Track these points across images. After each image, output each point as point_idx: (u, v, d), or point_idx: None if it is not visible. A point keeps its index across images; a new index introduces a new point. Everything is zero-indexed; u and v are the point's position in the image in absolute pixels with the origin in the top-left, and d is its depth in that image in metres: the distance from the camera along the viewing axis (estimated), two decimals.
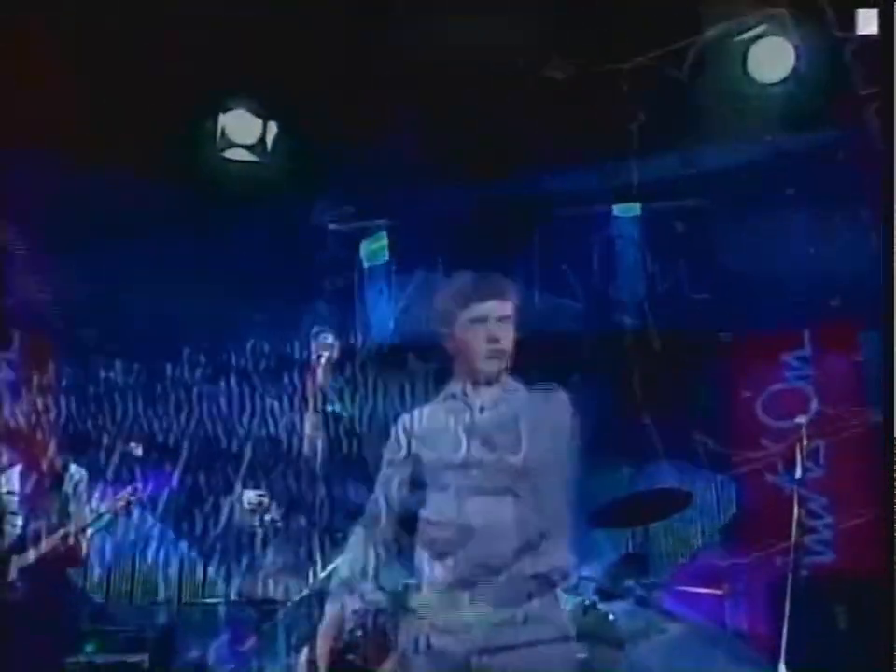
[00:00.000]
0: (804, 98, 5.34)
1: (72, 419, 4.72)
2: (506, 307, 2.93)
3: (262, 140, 6.79)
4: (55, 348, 6.31)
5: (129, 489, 4.34)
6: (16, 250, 5.86)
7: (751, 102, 5.64)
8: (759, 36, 5.62)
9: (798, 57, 5.53)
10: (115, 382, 6.49)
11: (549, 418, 2.90)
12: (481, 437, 2.84)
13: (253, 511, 7.59)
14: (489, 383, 2.95)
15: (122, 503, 4.33)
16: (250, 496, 7.51)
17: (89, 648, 4.48)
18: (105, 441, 6.68)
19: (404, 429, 2.95)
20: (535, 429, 2.84)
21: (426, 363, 3.20)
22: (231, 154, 6.72)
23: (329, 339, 3.13)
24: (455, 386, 2.98)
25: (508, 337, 2.92)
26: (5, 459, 4.79)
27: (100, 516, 4.40)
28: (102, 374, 6.28)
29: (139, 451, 6.87)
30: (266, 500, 7.58)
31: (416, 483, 2.91)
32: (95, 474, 4.66)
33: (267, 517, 7.51)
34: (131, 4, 5.31)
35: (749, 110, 5.56)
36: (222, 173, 6.60)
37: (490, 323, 2.90)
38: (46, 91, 5.74)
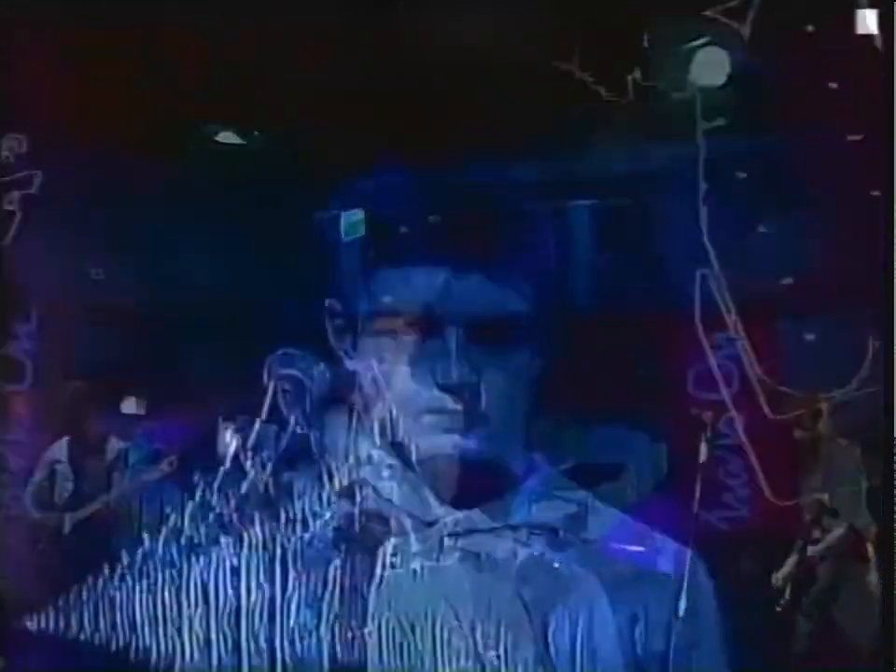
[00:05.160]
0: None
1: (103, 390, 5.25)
2: None
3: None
4: (72, 320, 6.86)
5: (165, 461, 4.79)
6: (26, 225, 6.30)
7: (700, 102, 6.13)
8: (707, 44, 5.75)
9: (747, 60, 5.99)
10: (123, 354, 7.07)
11: None
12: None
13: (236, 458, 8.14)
14: None
15: (159, 475, 4.85)
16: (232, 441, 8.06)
17: None
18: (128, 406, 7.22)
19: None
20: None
21: None
22: (222, 138, 7.30)
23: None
24: None
25: None
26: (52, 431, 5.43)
27: (142, 485, 4.98)
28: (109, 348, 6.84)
29: (142, 409, 7.45)
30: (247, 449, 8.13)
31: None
32: (129, 442, 5.24)
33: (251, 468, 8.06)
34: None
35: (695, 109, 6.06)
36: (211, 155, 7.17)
37: None
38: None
